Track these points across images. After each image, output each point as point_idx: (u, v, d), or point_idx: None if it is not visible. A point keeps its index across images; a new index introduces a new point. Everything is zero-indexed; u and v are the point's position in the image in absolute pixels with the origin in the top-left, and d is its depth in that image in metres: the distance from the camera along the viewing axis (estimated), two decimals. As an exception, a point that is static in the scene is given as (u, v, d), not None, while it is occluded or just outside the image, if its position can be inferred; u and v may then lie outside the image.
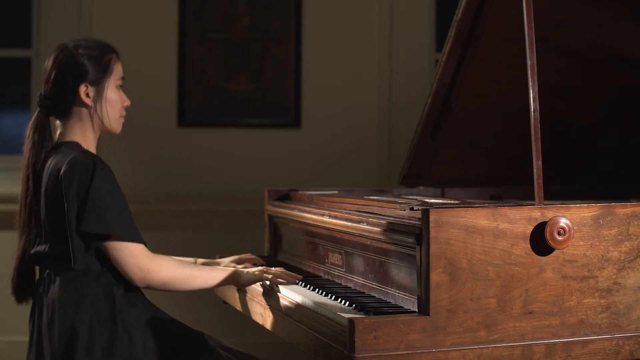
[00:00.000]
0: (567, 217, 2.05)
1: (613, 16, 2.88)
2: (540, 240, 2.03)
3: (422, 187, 3.21)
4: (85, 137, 2.41)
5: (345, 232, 2.43)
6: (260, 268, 2.51)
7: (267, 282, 2.51)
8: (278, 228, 3.07)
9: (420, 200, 2.34)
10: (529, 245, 2.03)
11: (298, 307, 2.29)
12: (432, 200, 2.36)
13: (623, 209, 2.11)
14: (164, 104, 4.76)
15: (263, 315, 2.53)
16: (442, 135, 3.05)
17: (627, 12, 2.87)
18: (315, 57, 4.82)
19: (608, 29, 2.90)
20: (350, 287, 2.42)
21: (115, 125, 2.46)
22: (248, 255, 2.81)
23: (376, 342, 1.88)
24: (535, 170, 2.11)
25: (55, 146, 2.40)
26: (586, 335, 2.06)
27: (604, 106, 3.13)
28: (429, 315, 1.94)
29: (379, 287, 2.26)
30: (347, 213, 2.44)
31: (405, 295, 2.12)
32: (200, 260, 2.72)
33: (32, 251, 2.35)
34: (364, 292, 2.33)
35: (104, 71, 2.40)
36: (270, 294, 2.49)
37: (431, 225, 1.95)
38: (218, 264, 2.73)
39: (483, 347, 1.97)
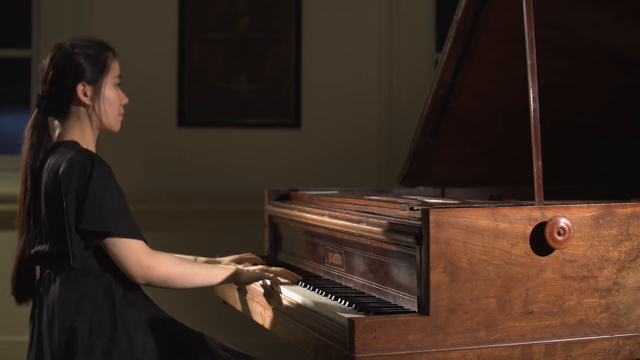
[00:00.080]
0: (567, 217, 2.04)
1: (613, 16, 2.87)
2: (540, 240, 2.02)
3: (422, 187, 3.21)
4: (84, 136, 2.41)
5: (345, 232, 2.43)
6: (261, 267, 2.51)
7: (268, 281, 2.51)
8: (278, 228, 3.07)
9: (420, 200, 2.34)
10: (529, 245, 2.02)
11: (298, 307, 2.28)
12: (432, 200, 2.36)
13: (623, 209, 2.11)
14: (163, 104, 4.76)
15: (263, 315, 2.52)
16: (442, 135, 3.05)
17: (627, 12, 2.87)
18: (315, 57, 4.82)
19: (608, 29, 2.90)
20: (350, 287, 2.42)
21: (113, 123, 2.45)
22: (248, 255, 2.81)
23: (376, 342, 1.88)
24: (535, 170, 2.11)
25: (54, 146, 2.39)
26: (586, 335, 2.06)
27: (604, 106, 3.13)
28: (429, 315, 1.94)
29: (379, 287, 2.26)
30: (347, 213, 2.44)
31: (405, 295, 2.12)
32: (201, 258, 2.72)
33: (32, 251, 2.35)
34: (364, 292, 2.33)
35: (101, 70, 2.40)
36: (271, 294, 2.49)
37: (431, 225, 1.95)
38: (218, 262, 2.72)
39: (483, 347, 1.97)
